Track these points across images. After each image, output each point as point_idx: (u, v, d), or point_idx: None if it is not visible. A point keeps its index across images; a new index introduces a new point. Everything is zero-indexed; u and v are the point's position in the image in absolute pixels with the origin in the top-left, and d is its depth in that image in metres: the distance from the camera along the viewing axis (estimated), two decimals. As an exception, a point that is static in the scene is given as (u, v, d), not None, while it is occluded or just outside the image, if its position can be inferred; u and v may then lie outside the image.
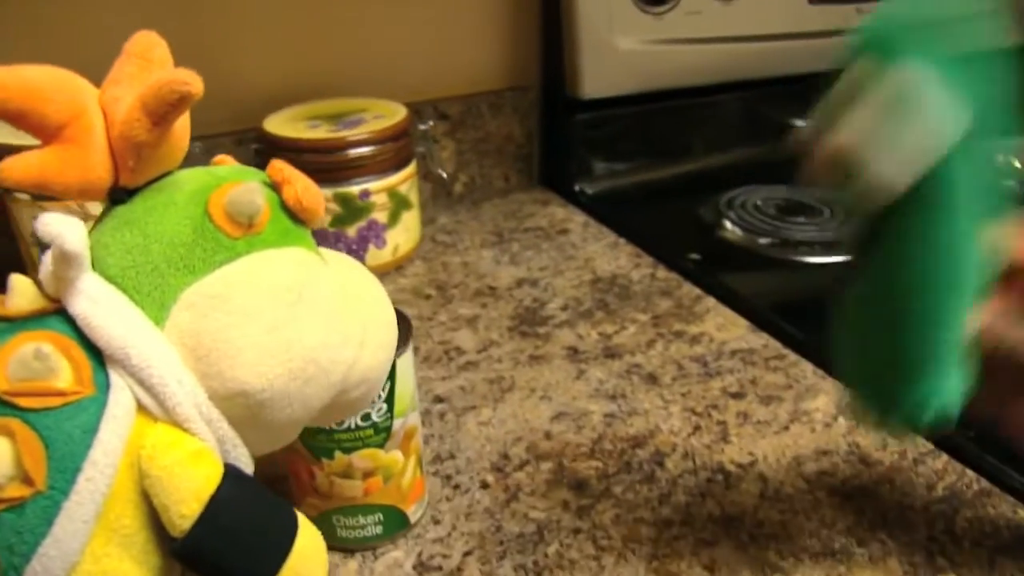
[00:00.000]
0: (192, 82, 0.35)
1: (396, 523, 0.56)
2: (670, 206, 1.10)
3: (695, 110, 1.15)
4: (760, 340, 0.77)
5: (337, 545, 0.56)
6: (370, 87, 1.01)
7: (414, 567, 0.54)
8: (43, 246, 0.35)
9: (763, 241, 0.96)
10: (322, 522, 0.55)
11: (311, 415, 0.40)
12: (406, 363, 0.52)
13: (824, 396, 0.69)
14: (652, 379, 0.72)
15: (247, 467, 0.39)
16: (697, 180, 1.15)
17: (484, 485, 0.61)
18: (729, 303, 0.84)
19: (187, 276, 0.36)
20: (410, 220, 0.93)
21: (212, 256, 0.37)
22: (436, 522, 0.58)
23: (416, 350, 0.76)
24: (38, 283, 0.37)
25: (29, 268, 0.82)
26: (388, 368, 0.44)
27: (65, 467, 0.33)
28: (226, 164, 0.42)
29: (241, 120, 0.97)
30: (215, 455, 0.37)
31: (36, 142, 0.38)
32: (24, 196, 0.78)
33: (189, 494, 0.35)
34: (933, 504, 0.58)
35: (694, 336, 0.78)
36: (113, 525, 0.35)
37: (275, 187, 0.40)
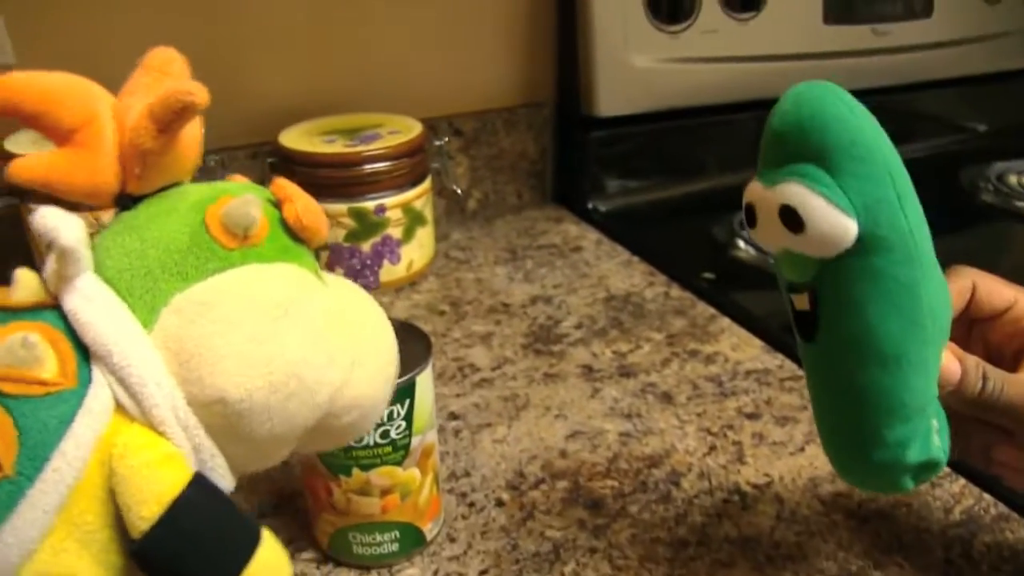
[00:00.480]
0: (197, 93, 0.36)
1: (413, 540, 0.55)
2: (683, 224, 1.10)
3: (709, 129, 1.16)
4: (775, 360, 0.77)
5: (353, 562, 0.56)
6: (385, 102, 1.02)
7: (430, 585, 0.54)
8: (47, 244, 0.36)
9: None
10: (338, 539, 0.55)
11: (295, 434, 0.40)
12: (426, 380, 0.52)
13: (840, 417, 0.69)
14: (667, 398, 0.72)
15: (225, 478, 0.39)
16: (710, 199, 1.15)
17: (500, 503, 0.61)
18: (743, 323, 0.84)
19: (179, 282, 0.37)
20: (424, 236, 0.93)
21: (205, 264, 0.37)
22: (452, 540, 0.58)
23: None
24: (44, 279, 0.37)
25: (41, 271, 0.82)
26: (386, 398, 0.43)
27: (35, 455, 0.34)
28: (238, 180, 0.43)
29: (256, 134, 0.97)
30: (186, 462, 0.37)
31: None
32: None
33: (151, 496, 0.35)
34: (950, 528, 0.58)
35: (709, 355, 0.78)
36: (75, 520, 0.35)
37: (277, 204, 0.40)
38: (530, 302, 0.89)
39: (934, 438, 0.45)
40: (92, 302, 0.36)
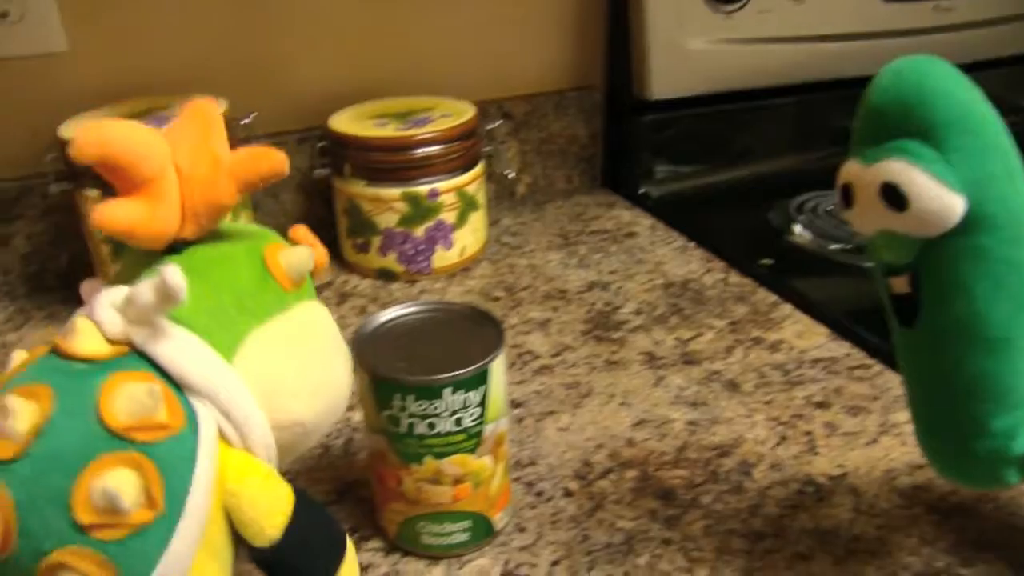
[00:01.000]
0: (285, 162, 0.43)
1: (483, 530, 0.54)
2: (738, 210, 1.08)
3: (763, 112, 1.13)
4: (842, 348, 0.75)
5: (421, 552, 0.54)
6: (434, 86, 1.00)
7: (501, 576, 0.53)
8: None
9: (834, 247, 0.94)
10: (407, 528, 0.53)
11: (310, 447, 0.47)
12: (499, 367, 0.51)
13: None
14: (733, 387, 0.70)
15: None
16: (763, 183, 1.13)
17: (568, 493, 0.59)
18: (806, 309, 0.82)
19: (252, 321, 0.42)
20: (477, 221, 0.91)
21: (272, 305, 0.43)
22: (521, 530, 0.56)
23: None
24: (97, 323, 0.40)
25: (98, 266, 0.82)
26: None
27: (175, 492, 0.37)
28: (244, 224, 0.51)
29: (306, 118, 0.96)
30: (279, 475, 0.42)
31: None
32: (94, 193, 0.77)
33: (277, 508, 0.40)
34: (1037, 523, 0.56)
35: (773, 343, 0.76)
36: (210, 541, 0.39)
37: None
38: (586, 288, 0.87)
39: None
40: (182, 345, 0.40)
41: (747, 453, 0.63)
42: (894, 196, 0.40)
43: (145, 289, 0.38)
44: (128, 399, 0.37)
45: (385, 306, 0.83)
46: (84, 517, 0.35)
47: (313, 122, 0.95)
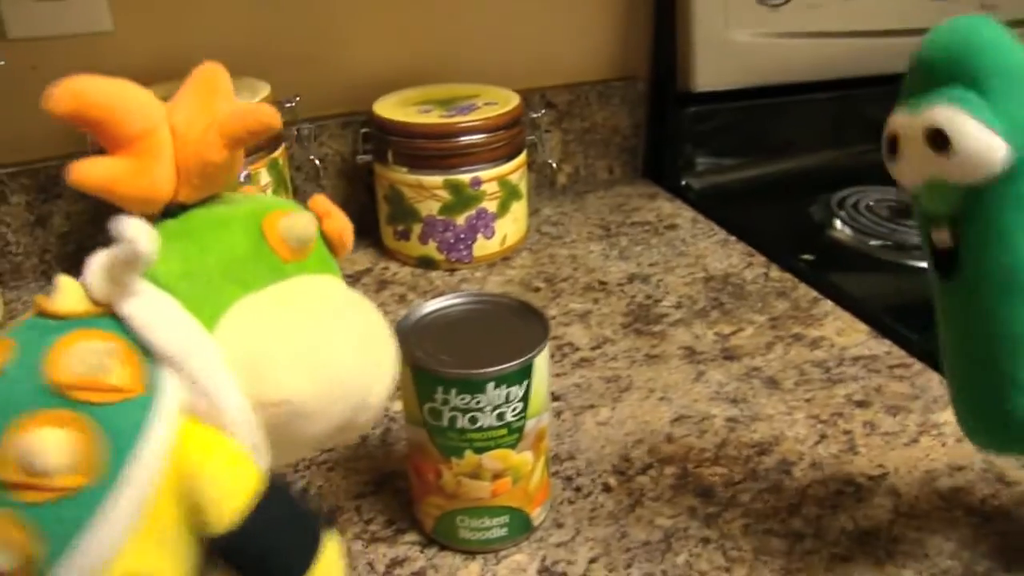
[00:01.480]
0: (276, 116, 0.40)
1: (521, 526, 0.54)
2: (779, 204, 1.07)
3: (806, 106, 1.12)
4: (882, 347, 0.75)
5: (459, 547, 0.55)
6: (478, 73, 1.00)
7: (539, 572, 0.53)
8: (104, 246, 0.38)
9: (875, 243, 0.93)
10: (445, 522, 0.54)
11: (327, 433, 0.42)
12: (542, 362, 0.51)
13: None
14: (773, 383, 0.70)
15: None
16: (805, 178, 1.12)
17: (607, 488, 0.59)
18: (847, 306, 0.82)
19: (240, 289, 0.39)
20: (519, 210, 0.91)
21: (265, 274, 0.40)
22: (559, 526, 0.56)
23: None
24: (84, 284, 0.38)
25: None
26: (387, 397, 0.45)
27: (116, 460, 0.34)
28: (253, 193, 0.47)
29: (350, 103, 0.97)
30: (252, 458, 0.39)
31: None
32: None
33: (235, 491, 0.37)
34: (1079, 529, 0.55)
35: (814, 340, 0.76)
36: (154, 520, 0.36)
37: (316, 219, 0.43)
38: (627, 280, 0.87)
39: None
40: (157, 308, 0.37)
41: (787, 451, 0.63)
42: (940, 140, 0.40)
43: (118, 248, 0.36)
44: (76, 357, 0.35)
45: (425, 295, 0.84)
46: (6, 474, 0.34)
47: (357, 107, 0.96)
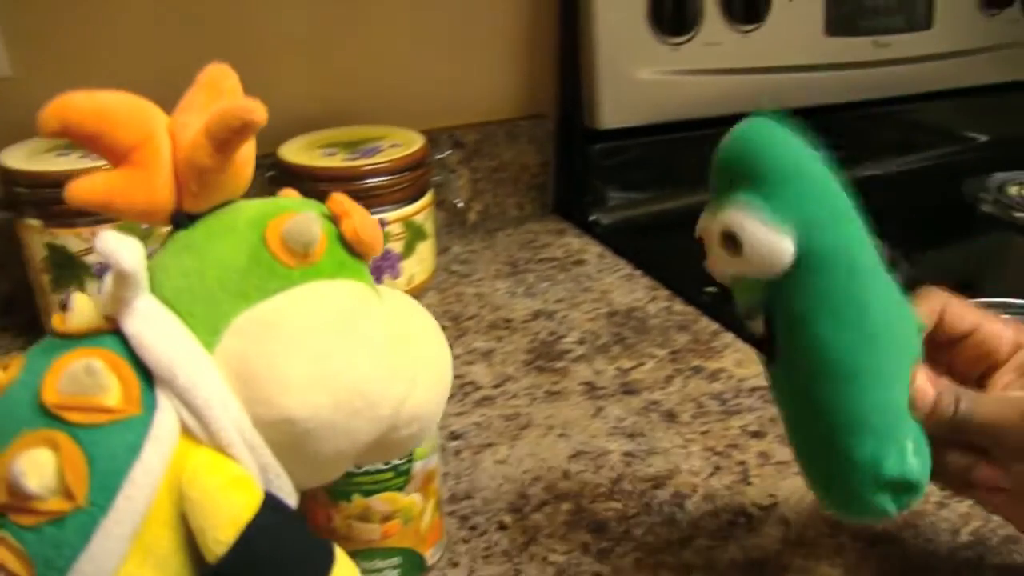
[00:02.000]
0: (255, 110, 0.36)
1: (414, 566, 0.55)
2: (686, 238, 1.07)
3: (711, 141, 1.12)
4: (779, 377, 0.76)
5: (354, 588, 0.55)
6: (386, 114, 1.01)
7: (432, 611, 0.54)
8: (101, 267, 0.36)
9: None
10: (339, 564, 0.54)
11: (358, 449, 0.39)
12: (428, 405, 0.51)
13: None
14: (671, 417, 0.71)
15: (290, 498, 0.39)
16: (712, 211, 1.14)
17: (502, 526, 0.60)
18: (746, 338, 0.83)
19: (240, 302, 0.37)
20: (425, 250, 0.92)
21: (266, 284, 0.37)
22: (454, 564, 0.57)
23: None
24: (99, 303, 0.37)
25: (38, 295, 0.82)
26: (441, 408, 0.43)
27: (106, 484, 0.34)
28: (291, 196, 0.43)
29: (257, 147, 0.96)
30: (255, 482, 0.37)
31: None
32: (35, 222, 0.77)
33: (226, 520, 0.35)
34: (959, 551, 0.57)
35: (713, 372, 0.78)
36: (149, 546, 0.35)
37: (334, 219, 0.40)
38: (532, 317, 0.88)
39: (909, 458, 0.45)
40: (153, 325, 0.36)
41: (681, 484, 0.64)
42: (731, 242, 0.43)
43: (112, 274, 0.35)
44: (68, 376, 0.34)
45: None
46: (0, 496, 0.33)
47: (263, 150, 0.95)
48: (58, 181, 0.75)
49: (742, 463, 0.66)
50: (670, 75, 1.07)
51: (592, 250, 1.04)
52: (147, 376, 0.35)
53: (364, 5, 0.99)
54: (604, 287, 0.94)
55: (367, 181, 0.86)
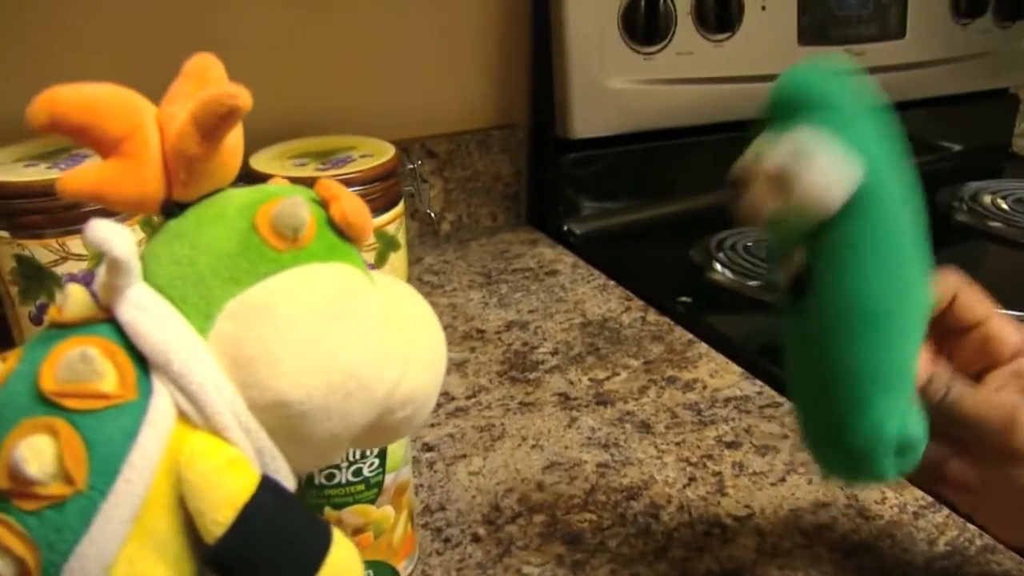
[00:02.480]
0: (240, 96, 0.36)
1: (386, 580, 0.54)
2: (660, 247, 1.09)
3: (685, 150, 1.15)
4: (754, 387, 0.76)
5: (324, 603, 0.54)
6: (357, 125, 1.00)
7: (404, 626, 0.53)
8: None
9: (752, 284, 0.95)
10: (309, 579, 0.53)
11: (353, 432, 0.39)
12: (398, 416, 0.51)
13: (821, 446, 0.68)
14: (645, 427, 0.71)
15: (287, 480, 0.39)
16: (686, 221, 1.14)
17: (476, 538, 0.59)
18: (721, 348, 0.83)
19: (232, 287, 0.37)
20: (397, 261, 0.91)
21: (256, 268, 0.37)
22: (426, 578, 0.56)
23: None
24: (92, 292, 0.37)
25: (7, 306, 0.80)
26: (436, 391, 0.43)
27: (105, 469, 0.34)
28: (280, 184, 0.43)
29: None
30: (252, 465, 0.37)
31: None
32: (3, 234, 0.76)
33: (224, 501, 0.35)
34: (935, 560, 0.57)
35: (687, 382, 0.77)
36: (149, 529, 0.35)
37: (323, 204, 0.40)
38: (505, 328, 0.87)
39: (915, 417, 0.45)
40: (147, 312, 0.36)
41: (656, 495, 0.63)
42: (790, 171, 0.41)
43: (105, 263, 0.36)
44: (63, 364, 0.35)
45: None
46: (2, 482, 0.34)
47: (234, 161, 0.95)
48: (26, 192, 0.75)
49: (717, 474, 0.65)
50: (643, 84, 1.07)
51: (565, 260, 1.03)
52: (142, 362, 0.36)
53: (336, 15, 0.99)
54: (578, 297, 0.94)
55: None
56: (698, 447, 0.68)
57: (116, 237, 0.35)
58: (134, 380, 0.35)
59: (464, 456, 0.68)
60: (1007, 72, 1.39)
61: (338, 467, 0.49)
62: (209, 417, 0.36)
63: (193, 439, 0.36)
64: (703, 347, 0.83)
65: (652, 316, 0.89)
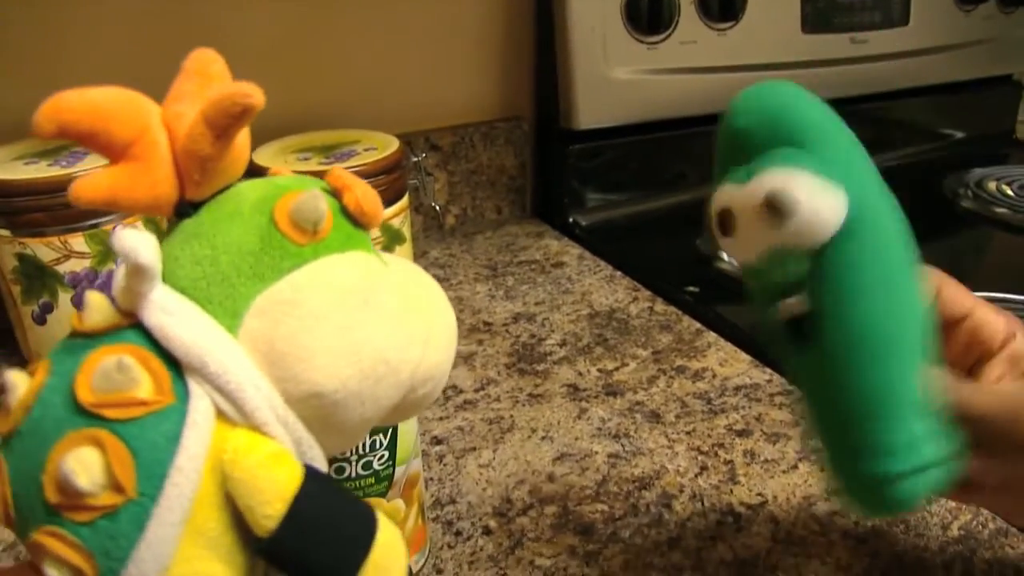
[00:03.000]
0: (253, 94, 0.36)
1: (398, 573, 0.54)
2: (666, 237, 1.09)
3: (689, 140, 1.14)
4: (764, 375, 0.76)
5: (336, 597, 0.54)
6: (361, 119, 1.00)
7: (417, 619, 0.52)
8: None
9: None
10: (321, 573, 0.53)
11: (381, 415, 0.40)
12: (408, 408, 0.50)
13: (832, 433, 0.67)
14: (655, 417, 0.70)
15: (322, 467, 0.40)
16: (692, 211, 1.13)
17: (487, 531, 0.59)
18: (730, 337, 0.83)
19: (257, 284, 0.37)
20: (403, 254, 0.91)
21: (280, 263, 0.37)
22: (439, 571, 0.56)
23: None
24: (111, 298, 0.38)
25: (8, 306, 0.80)
26: (450, 364, 0.44)
27: (152, 474, 0.34)
28: (283, 175, 0.43)
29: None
30: (293, 456, 0.38)
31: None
32: (4, 232, 0.76)
33: (273, 495, 0.36)
34: (949, 545, 0.56)
35: (696, 372, 0.77)
36: (200, 528, 0.35)
37: (335, 193, 0.40)
38: (512, 320, 0.87)
39: (941, 436, 0.43)
40: (175, 315, 0.36)
41: (668, 484, 0.63)
42: (779, 205, 0.39)
43: (125, 265, 0.36)
44: (100, 374, 0.35)
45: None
46: (52, 497, 0.34)
47: (238, 157, 0.95)
48: (27, 189, 0.74)
49: (729, 462, 0.65)
50: (646, 74, 1.07)
51: (572, 252, 1.03)
52: (174, 365, 0.36)
53: (337, 9, 0.98)
54: (584, 289, 0.93)
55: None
56: (709, 436, 0.68)
57: (142, 244, 0.35)
58: (170, 384, 0.35)
59: (474, 449, 0.67)
60: (1010, 59, 1.39)
61: (348, 460, 0.49)
62: (249, 414, 0.36)
63: (234, 437, 0.36)
64: (711, 336, 0.83)
65: (660, 306, 0.89)
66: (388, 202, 0.88)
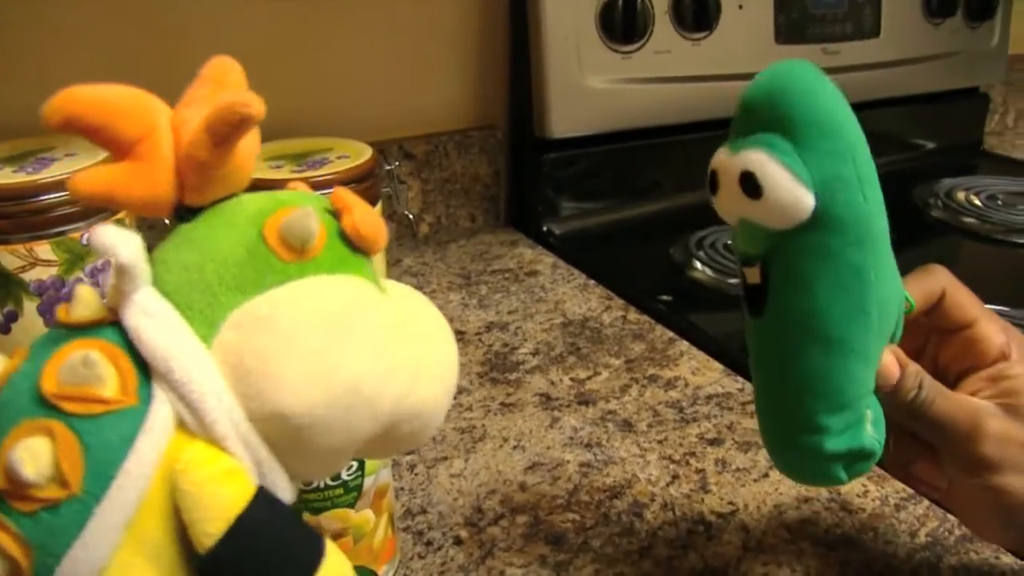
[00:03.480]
0: (253, 104, 0.36)
1: (367, 584, 0.53)
2: (640, 246, 1.09)
3: (664, 149, 1.15)
4: (736, 384, 0.76)
5: (305, 608, 0.53)
6: (334, 127, 0.99)
7: (386, 630, 0.52)
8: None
9: (733, 281, 0.95)
10: (289, 584, 0.52)
11: (356, 445, 0.39)
12: (378, 417, 0.50)
13: (803, 442, 0.68)
14: (628, 426, 0.71)
15: (284, 492, 0.38)
16: (666, 219, 1.15)
17: (458, 541, 0.59)
18: (702, 346, 0.83)
19: (237, 296, 0.36)
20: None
21: (262, 278, 0.37)
22: (409, 581, 0.56)
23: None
24: (103, 294, 0.37)
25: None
26: (447, 404, 0.42)
27: (101, 473, 0.34)
28: (298, 189, 0.42)
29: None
30: (248, 476, 0.36)
31: None
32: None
33: (217, 512, 0.35)
34: (917, 552, 0.57)
35: (669, 380, 0.77)
36: (142, 536, 0.35)
37: (335, 214, 0.39)
38: (485, 329, 0.87)
39: (867, 428, 0.45)
40: (152, 317, 0.35)
41: (639, 493, 0.63)
42: (751, 184, 0.41)
43: (112, 267, 0.36)
44: (65, 366, 0.34)
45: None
46: (0, 483, 0.34)
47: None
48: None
49: (700, 471, 0.65)
50: (621, 84, 1.07)
51: (545, 260, 1.03)
52: (145, 368, 0.35)
53: (311, 17, 0.98)
54: (558, 297, 0.93)
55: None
56: (681, 445, 0.68)
57: (122, 241, 0.35)
58: (135, 386, 0.35)
59: (445, 458, 0.67)
60: (977, 71, 1.40)
61: (317, 470, 0.48)
62: (208, 426, 0.35)
63: (191, 448, 0.35)
64: (684, 345, 0.83)
65: (633, 315, 0.89)
66: (361, 210, 0.87)
